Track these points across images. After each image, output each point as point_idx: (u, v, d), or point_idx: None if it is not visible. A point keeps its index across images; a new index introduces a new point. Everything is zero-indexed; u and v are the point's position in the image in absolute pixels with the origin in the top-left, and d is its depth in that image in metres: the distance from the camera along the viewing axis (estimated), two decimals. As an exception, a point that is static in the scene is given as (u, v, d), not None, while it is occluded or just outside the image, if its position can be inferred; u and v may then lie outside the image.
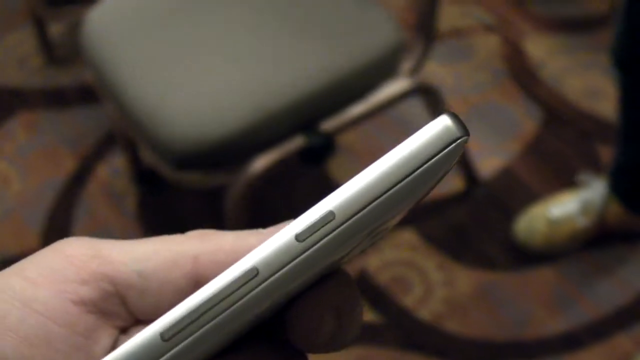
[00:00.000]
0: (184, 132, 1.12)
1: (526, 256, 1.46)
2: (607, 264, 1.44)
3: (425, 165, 0.22)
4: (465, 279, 1.44)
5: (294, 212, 1.49)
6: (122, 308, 0.27)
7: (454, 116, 0.22)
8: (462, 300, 1.41)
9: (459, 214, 1.53)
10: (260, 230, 0.27)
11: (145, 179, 1.59)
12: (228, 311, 0.22)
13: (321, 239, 0.22)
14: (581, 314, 1.39)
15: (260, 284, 0.22)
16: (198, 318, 0.22)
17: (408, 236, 1.50)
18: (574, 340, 1.36)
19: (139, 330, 0.27)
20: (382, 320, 1.40)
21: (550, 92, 1.72)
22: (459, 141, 0.22)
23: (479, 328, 1.38)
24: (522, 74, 1.77)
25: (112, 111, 1.32)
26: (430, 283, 1.44)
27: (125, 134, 1.48)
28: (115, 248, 0.27)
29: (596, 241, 1.46)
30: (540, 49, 1.81)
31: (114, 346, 0.26)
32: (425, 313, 1.40)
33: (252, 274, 0.22)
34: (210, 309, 0.22)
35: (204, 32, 1.22)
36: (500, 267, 1.45)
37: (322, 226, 0.22)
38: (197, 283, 0.26)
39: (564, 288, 1.42)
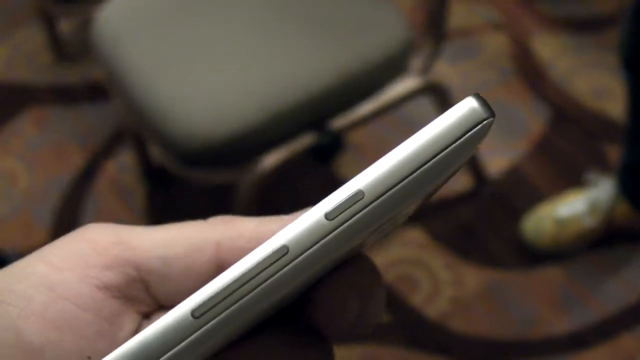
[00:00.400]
0: (194, 130, 1.12)
1: (533, 256, 1.46)
2: (613, 264, 1.45)
3: (453, 146, 0.22)
4: (472, 278, 1.44)
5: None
6: (145, 293, 0.27)
7: (480, 98, 0.23)
8: (469, 299, 1.42)
9: (466, 213, 1.53)
10: (283, 217, 0.27)
11: (154, 176, 1.60)
12: (258, 289, 0.22)
13: (350, 217, 0.22)
14: (587, 314, 1.39)
15: (290, 262, 0.22)
16: (228, 296, 0.22)
17: (415, 234, 1.50)
18: (579, 339, 1.36)
19: (161, 316, 0.27)
20: (389, 319, 1.40)
21: (558, 92, 1.72)
22: (485, 122, 0.22)
23: (485, 327, 1.38)
24: (529, 73, 1.77)
25: (122, 108, 1.32)
26: (437, 282, 1.44)
27: (134, 131, 1.49)
28: (138, 234, 0.27)
29: (603, 241, 1.46)
30: (548, 48, 1.81)
31: (137, 332, 0.26)
32: (431, 312, 1.41)
33: (282, 252, 0.22)
34: (240, 286, 0.22)
35: (214, 30, 1.22)
36: (507, 266, 1.45)
37: (352, 205, 0.22)
38: (220, 269, 0.26)
39: (570, 288, 1.42)
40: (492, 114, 0.22)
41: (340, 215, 0.22)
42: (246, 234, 0.27)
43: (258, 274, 0.22)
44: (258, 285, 0.22)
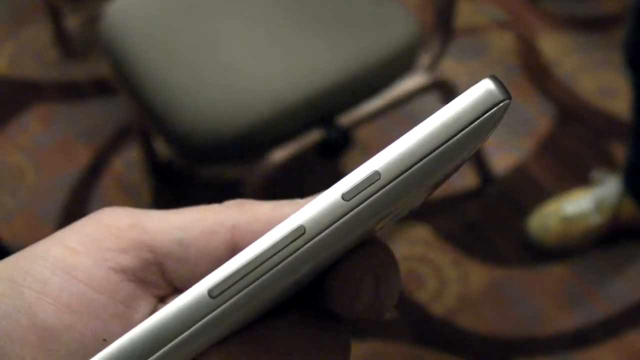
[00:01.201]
0: (202, 125, 1.13)
1: (539, 253, 1.46)
2: (619, 261, 1.45)
3: (469, 128, 0.22)
4: (479, 275, 1.44)
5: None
6: (161, 277, 0.27)
7: (497, 80, 0.22)
8: (475, 296, 1.42)
9: (472, 210, 1.53)
10: (298, 201, 0.27)
11: (160, 172, 1.60)
12: (275, 269, 0.22)
13: (367, 198, 0.22)
14: (593, 312, 1.39)
15: (307, 242, 0.22)
16: (246, 275, 0.22)
17: (422, 232, 1.50)
18: (585, 337, 1.36)
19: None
20: (395, 315, 1.40)
21: (564, 90, 1.72)
22: (501, 104, 0.22)
23: (491, 324, 1.39)
24: (535, 72, 1.77)
25: (129, 104, 1.33)
26: (443, 279, 1.44)
27: (142, 127, 1.49)
28: (154, 217, 0.27)
29: (609, 239, 1.46)
30: (554, 46, 1.82)
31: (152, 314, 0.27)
32: (438, 308, 1.41)
33: (299, 232, 0.22)
34: (258, 266, 0.22)
35: (223, 26, 1.22)
36: (513, 263, 1.46)
37: (368, 185, 0.22)
38: (235, 252, 0.26)
39: (576, 285, 1.42)
40: (508, 96, 0.22)
41: (357, 196, 0.22)
42: (261, 217, 0.27)
43: (275, 253, 0.22)
44: (275, 265, 0.22)
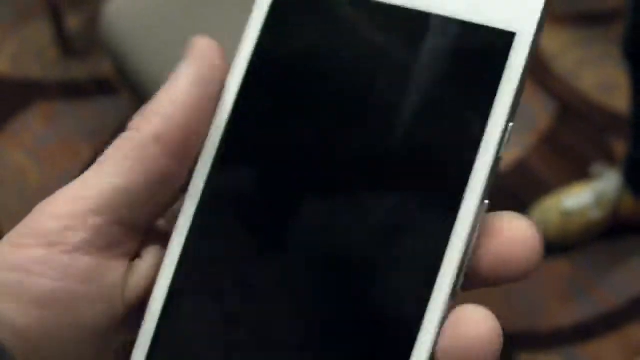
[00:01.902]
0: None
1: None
2: (620, 255, 1.45)
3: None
4: (479, 270, 1.44)
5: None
6: (123, 233, 0.26)
7: None
8: (476, 289, 1.42)
9: (472, 205, 1.53)
10: (188, 62, 0.29)
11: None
12: None
13: None
14: (594, 305, 1.39)
15: None
16: None
17: (422, 227, 1.50)
18: (586, 330, 1.36)
19: (153, 251, 0.26)
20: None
21: (565, 85, 1.72)
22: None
23: (493, 318, 1.39)
24: (536, 67, 1.77)
25: (131, 102, 1.33)
26: (444, 273, 1.45)
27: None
28: (87, 179, 0.26)
29: (609, 233, 1.46)
30: (554, 41, 1.81)
31: (126, 277, 0.26)
32: (439, 303, 1.41)
33: None
34: None
35: (227, 23, 1.23)
36: (514, 258, 1.45)
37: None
38: (159, 140, 0.26)
39: (577, 279, 1.42)
40: None
41: None
42: (178, 98, 0.28)
43: None
44: None
